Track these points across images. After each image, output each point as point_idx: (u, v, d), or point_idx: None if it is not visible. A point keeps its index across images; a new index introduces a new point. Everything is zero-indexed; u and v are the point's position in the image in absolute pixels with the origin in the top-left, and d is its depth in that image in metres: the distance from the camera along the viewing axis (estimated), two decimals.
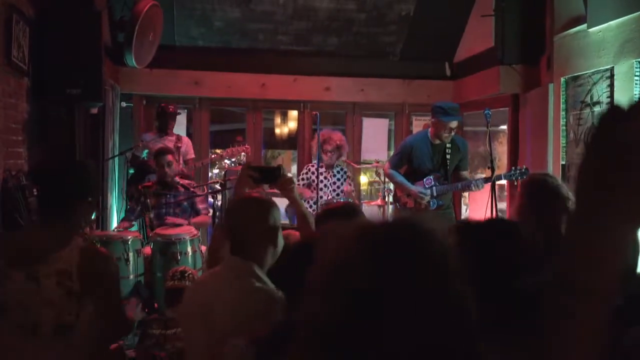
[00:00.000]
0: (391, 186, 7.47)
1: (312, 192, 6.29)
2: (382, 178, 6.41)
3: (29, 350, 2.06)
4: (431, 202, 5.55)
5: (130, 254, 4.96)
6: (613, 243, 0.71)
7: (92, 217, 2.45)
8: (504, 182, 5.71)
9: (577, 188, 0.74)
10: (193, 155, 6.72)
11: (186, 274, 4.12)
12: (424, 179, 5.56)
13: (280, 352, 1.41)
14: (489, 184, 5.31)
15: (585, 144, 0.74)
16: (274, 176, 2.89)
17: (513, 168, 5.43)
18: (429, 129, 5.72)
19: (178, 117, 6.87)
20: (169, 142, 6.51)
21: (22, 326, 2.05)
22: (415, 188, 5.56)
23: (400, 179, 5.67)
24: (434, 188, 5.55)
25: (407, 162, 5.69)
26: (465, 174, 5.76)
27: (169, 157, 5.63)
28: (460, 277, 0.86)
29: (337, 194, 6.44)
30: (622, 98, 4.69)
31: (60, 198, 2.18)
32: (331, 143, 6.32)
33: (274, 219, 2.39)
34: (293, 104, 7.87)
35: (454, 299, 0.85)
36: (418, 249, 0.87)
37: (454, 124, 5.49)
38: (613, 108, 0.73)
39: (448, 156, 5.63)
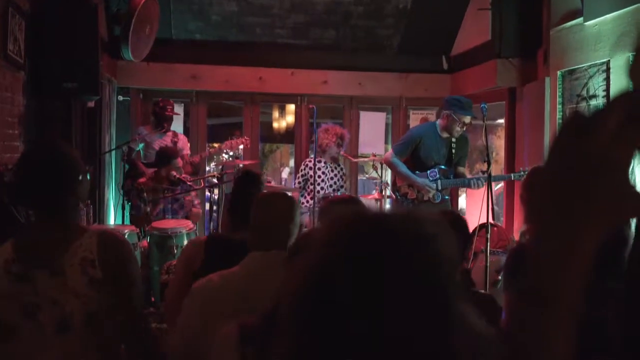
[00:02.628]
0: (389, 179, 7.52)
1: (310, 187, 6.32)
2: (380, 172, 6.41)
3: (59, 347, 2.02)
4: (436, 196, 5.44)
5: None
6: (581, 253, 0.71)
7: (87, 195, 2.39)
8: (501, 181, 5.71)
9: (540, 196, 0.74)
10: (189, 152, 6.72)
11: None
12: (429, 171, 5.46)
13: (268, 339, 1.43)
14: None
15: (549, 152, 0.74)
16: None
17: (522, 169, 5.42)
18: (438, 121, 5.61)
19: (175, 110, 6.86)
20: (167, 137, 6.51)
21: (52, 322, 2.04)
22: (421, 180, 5.45)
23: (404, 168, 5.52)
24: (439, 181, 5.43)
25: (412, 152, 5.55)
26: (463, 169, 5.71)
27: (179, 162, 5.70)
28: (448, 277, 0.87)
29: (334, 190, 6.48)
30: (618, 91, 4.69)
31: (58, 189, 2.16)
32: (345, 138, 6.56)
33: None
34: (290, 98, 7.87)
35: (440, 305, 0.86)
36: (393, 252, 0.87)
37: (468, 119, 5.41)
38: (576, 116, 0.73)
39: (453, 150, 5.55)
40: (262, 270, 2.24)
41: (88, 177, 2.27)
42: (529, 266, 0.74)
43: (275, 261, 2.19)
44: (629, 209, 0.72)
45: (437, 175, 5.44)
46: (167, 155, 5.71)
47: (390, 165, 5.67)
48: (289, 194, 2.67)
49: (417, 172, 5.50)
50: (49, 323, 2.02)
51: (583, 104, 5.24)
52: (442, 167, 5.48)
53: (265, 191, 2.76)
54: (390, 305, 0.84)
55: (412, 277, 0.86)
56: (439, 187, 5.45)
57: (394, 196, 5.83)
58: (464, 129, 5.48)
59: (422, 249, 0.88)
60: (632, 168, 0.73)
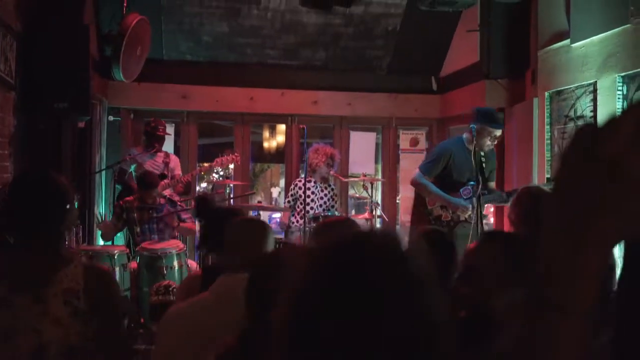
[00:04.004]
0: (379, 199, 7.52)
1: (300, 207, 6.31)
2: (370, 192, 6.41)
3: None
4: (472, 214, 5.02)
5: (117, 269, 4.95)
6: (594, 261, 0.71)
7: (75, 224, 2.41)
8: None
9: (554, 205, 0.74)
10: (180, 172, 6.71)
11: (170, 289, 4.11)
12: (461, 190, 5.08)
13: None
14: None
15: (561, 162, 0.74)
16: None
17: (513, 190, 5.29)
18: (465, 135, 5.24)
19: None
20: (158, 157, 6.50)
21: (28, 350, 2.01)
22: (455, 199, 5.07)
23: (436, 189, 5.14)
24: (474, 199, 5.02)
25: (442, 169, 5.20)
26: (492, 184, 5.40)
27: (157, 190, 5.62)
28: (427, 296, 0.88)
29: (325, 209, 6.47)
30: (605, 112, 4.75)
31: (45, 218, 2.15)
32: (335, 158, 6.50)
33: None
34: (281, 118, 7.90)
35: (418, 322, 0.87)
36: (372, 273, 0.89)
37: (499, 132, 5.14)
38: (587, 127, 0.73)
39: (484, 165, 5.19)
40: (230, 294, 2.23)
41: (76, 205, 2.27)
42: (540, 274, 0.74)
43: (242, 283, 2.20)
44: None
45: (471, 193, 5.06)
46: (145, 183, 5.62)
47: (419, 186, 5.30)
48: (278, 215, 2.72)
49: (446, 190, 5.14)
50: (24, 349, 2.00)
51: (571, 125, 5.29)
52: (474, 183, 5.11)
53: (239, 217, 2.81)
54: (368, 328, 0.85)
55: (393, 300, 0.87)
56: (475, 205, 5.08)
57: (429, 220, 5.38)
58: (494, 143, 5.18)
59: (401, 271, 0.89)
60: None
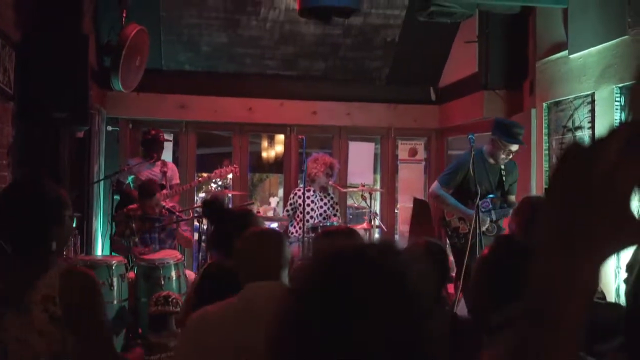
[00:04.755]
0: (378, 209, 7.52)
1: (299, 217, 6.30)
2: (368, 202, 6.41)
3: None
4: (491, 227, 5.00)
5: (115, 279, 4.93)
6: (585, 276, 0.72)
7: (69, 237, 2.37)
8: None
9: (545, 219, 0.75)
10: (178, 181, 6.70)
11: (170, 299, 4.10)
12: (481, 202, 4.94)
13: None
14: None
15: (552, 176, 0.75)
16: None
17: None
18: (484, 147, 5.16)
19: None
20: (156, 167, 6.50)
21: None
22: (472, 212, 4.93)
23: (453, 201, 5.12)
24: (492, 212, 5.00)
25: (461, 181, 5.14)
26: (513, 198, 5.25)
27: (156, 198, 5.60)
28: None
29: (324, 218, 6.47)
30: (603, 123, 4.76)
31: (34, 224, 2.13)
32: (334, 168, 6.51)
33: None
34: (280, 128, 7.90)
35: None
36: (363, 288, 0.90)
37: (515, 147, 5.02)
38: (576, 144, 0.75)
39: (504, 177, 5.15)
40: (260, 301, 2.17)
41: (74, 220, 2.24)
42: (530, 287, 0.75)
43: (272, 291, 2.14)
44: (630, 236, 0.73)
45: (490, 206, 5.02)
46: (145, 190, 5.63)
47: (437, 198, 5.28)
48: (276, 225, 2.72)
49: (464, 202, 5.08)
50: None
51: (569, 135, 5.30)
52: (492, 195, 5.07)
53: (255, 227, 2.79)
54: (361, 339, 0.86)
55: (387, 312, 0.88)
56: (494, 218, 5.04)
57: (444, 232, 5.34)
58: (510, 157, 5.08)
59: (397, 283, 0.90)
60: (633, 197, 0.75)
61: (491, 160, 5.13)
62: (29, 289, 2.02)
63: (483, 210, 4.99)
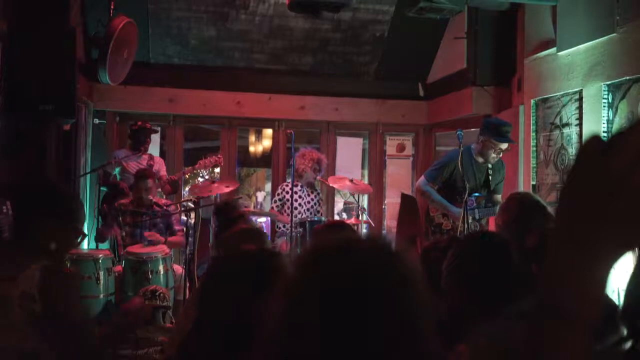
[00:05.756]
0: (365, 204, 7.53)
1: (287, 211, 6.30)
2: (356, 197, 6.41)
3: None
4: (473, 226, 4.97)
5: (101, 273, 4.90)
6: (600, 271, 0.73)
7: (75, 244, 2.33)
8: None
9: (561, 217, 0.75)
10: (165, 174, 6.67)
11: (157, 293, 4.08)
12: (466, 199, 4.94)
13: None
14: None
15: (569, 173, 0.75)
16: None
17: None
18: (473, 145, 5.21)
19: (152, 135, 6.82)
20: (143, 160, 6.46)
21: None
22: (456, 209, 5.02)
23: (439, 197, 5.16)
24: (476, 210, 4.99)
25: (447, 177, 5.18)
26: (499, 197, 5.29)
27: (150, 182, 5.59)
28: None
29: (311, 213, 6.47)
30: (591, 120, 4.79)
31: (25, 216, 2.12)
32: (322, 163, 6.50)
33: None
34: (268, 122, 7.88)
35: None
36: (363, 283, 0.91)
37: (504, 146, 5.06)
38: (595, 139, 0.75)
39: (490, 176, 5.21)
40: None
41: (75, 229, 2.24)
42: (545, 282, 0.75)
43: None
44: None
45: (474, 204, 5.02)
46: (138, 174, 5.68)
47: (423, 194, 5.30)
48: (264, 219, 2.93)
49: (449, 199, 5.12)
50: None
51: (556, 132, 5.33)
52: (478, 194, 5.08)
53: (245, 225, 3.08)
54: (356, 332, 0.87)
55: (381, 305, 0.88)
56: (477, 217, 5.03)
57: (427, 228, 5.36)
58: (500, 155, 5.13)
59: (390, 277, 0.91)
60: None
61: (480, 159, 5.17)
62: (9, 282, 2.00)
63: (469, 208, 4.99)
